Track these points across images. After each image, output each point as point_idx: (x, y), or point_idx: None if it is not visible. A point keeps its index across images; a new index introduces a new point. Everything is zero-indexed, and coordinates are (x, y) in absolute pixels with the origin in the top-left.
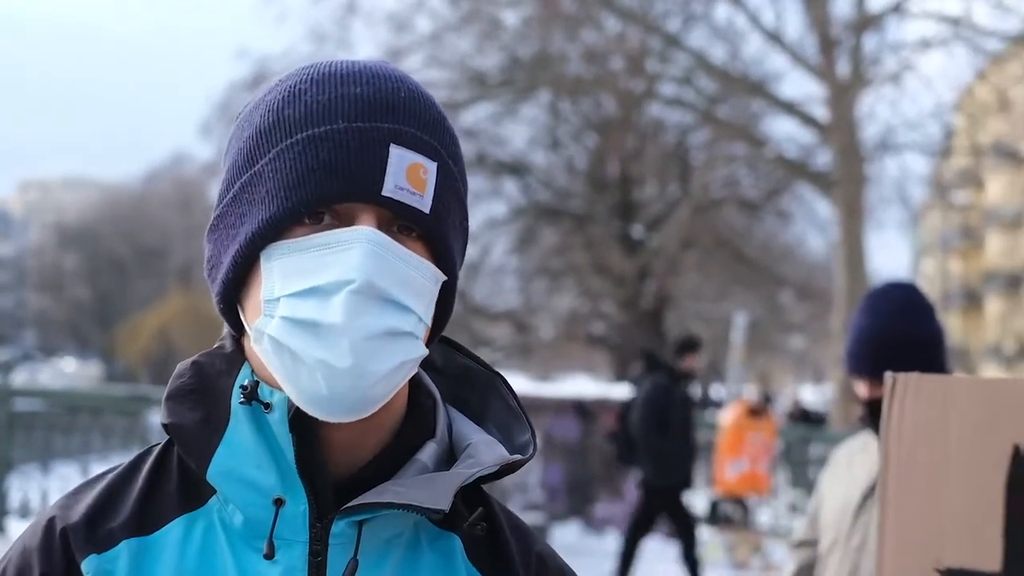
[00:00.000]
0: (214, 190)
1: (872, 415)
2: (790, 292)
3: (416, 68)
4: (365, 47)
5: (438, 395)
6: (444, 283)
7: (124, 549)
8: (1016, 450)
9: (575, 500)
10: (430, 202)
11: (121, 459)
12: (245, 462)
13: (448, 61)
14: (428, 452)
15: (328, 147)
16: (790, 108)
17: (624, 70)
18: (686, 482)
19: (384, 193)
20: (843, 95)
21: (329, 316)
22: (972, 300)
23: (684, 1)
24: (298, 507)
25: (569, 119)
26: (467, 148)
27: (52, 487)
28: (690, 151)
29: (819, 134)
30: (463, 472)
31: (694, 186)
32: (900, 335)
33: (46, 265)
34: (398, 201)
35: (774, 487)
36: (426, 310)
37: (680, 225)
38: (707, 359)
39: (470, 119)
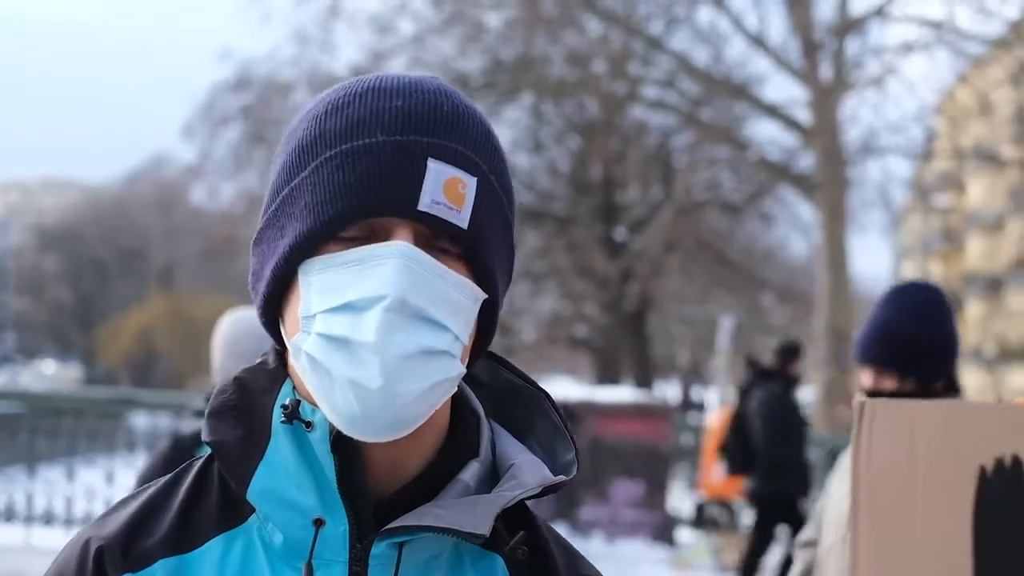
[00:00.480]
0: (196, 192)
1: None
2: (771, 294)
3: (399, 71)
4: (348, 49)
5: (482, 412)
6: (486, 301)
7: (161, 568)
8: (982, 471)
9: (560, 503)
10: (468, 218)
11: (107, 462)
12: (285, 482)
13: (431, 63)
14: (471, 472)
15: (365, 160)
16: (773, 111)
17: (607, 72)
18: (805, 490)
19: (420, 208)
20: (826, 98)
21: (361, 333)
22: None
23: (667, 4)
24: (338, 528)
25: (552, 121)
26: None
27: (37, 490)
28: (673, 154)
29: (802, 137)
30: (505, 495)
31: (677, 189)
32: (917, 334)
33: (26, 267)
34: (434, 216)
35: None
36: (463, 328)
37: (663, 228)
38: (689, 361)
39: None
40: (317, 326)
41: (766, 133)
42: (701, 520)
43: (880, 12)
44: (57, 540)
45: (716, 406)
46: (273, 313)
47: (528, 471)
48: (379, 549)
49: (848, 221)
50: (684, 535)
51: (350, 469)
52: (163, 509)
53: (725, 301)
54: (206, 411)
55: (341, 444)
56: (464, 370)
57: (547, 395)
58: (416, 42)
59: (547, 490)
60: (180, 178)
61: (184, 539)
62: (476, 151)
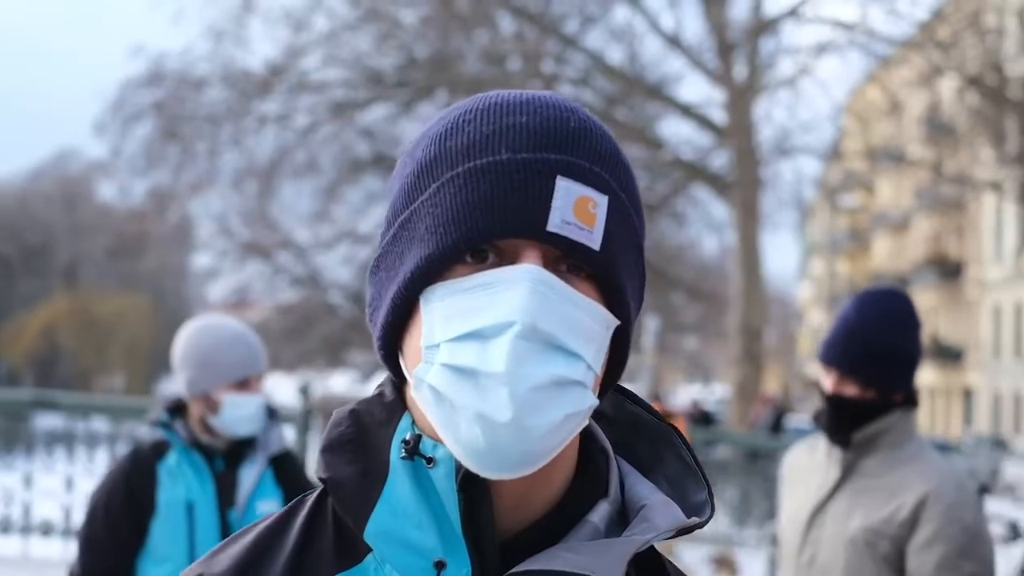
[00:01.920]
0: (105, 188)
1: (830, 410)
2: (682, 293)
3: (314, 67)
4: (263, 45)
5: (610, 448)
6: (618, 328)
7: None
8: None
9: None
10: (600, 238)
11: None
12: (405, 521)
13: (345, 60)
14: (600, 513)
15: (491, 180)
16: (688, 111)
17: (521, 71)
18: None
19: (550, 228)
20: (740, 98)
21: (489, 363)
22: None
23: (581, 2)
24: (460, 571)
25: None
26: (364, 149)
27: None
28: None
29: (716, 137)
30: (637, 539)
31: None
32: (885, 343)
33: None
34: (565, 237)
35: None
36: (596, 357)
37: None
38: None
39: (367, 119)
40: (441, 356)
41: (681, 133)
42: None
43: (794, 13)
44: None
45: None
46: (392, 343)
47: (660, 513)
48: None
49: (761, 220)
50: None
51: (474, 509)
52: (276, 548)
53: None
54: (321, 445)
55: (466, 482)
56: (596, 402)
57: (676, 431)
58: (331, 38)
59: (679, 532)
60: (86, 174)
61: None
62: (606, 168)
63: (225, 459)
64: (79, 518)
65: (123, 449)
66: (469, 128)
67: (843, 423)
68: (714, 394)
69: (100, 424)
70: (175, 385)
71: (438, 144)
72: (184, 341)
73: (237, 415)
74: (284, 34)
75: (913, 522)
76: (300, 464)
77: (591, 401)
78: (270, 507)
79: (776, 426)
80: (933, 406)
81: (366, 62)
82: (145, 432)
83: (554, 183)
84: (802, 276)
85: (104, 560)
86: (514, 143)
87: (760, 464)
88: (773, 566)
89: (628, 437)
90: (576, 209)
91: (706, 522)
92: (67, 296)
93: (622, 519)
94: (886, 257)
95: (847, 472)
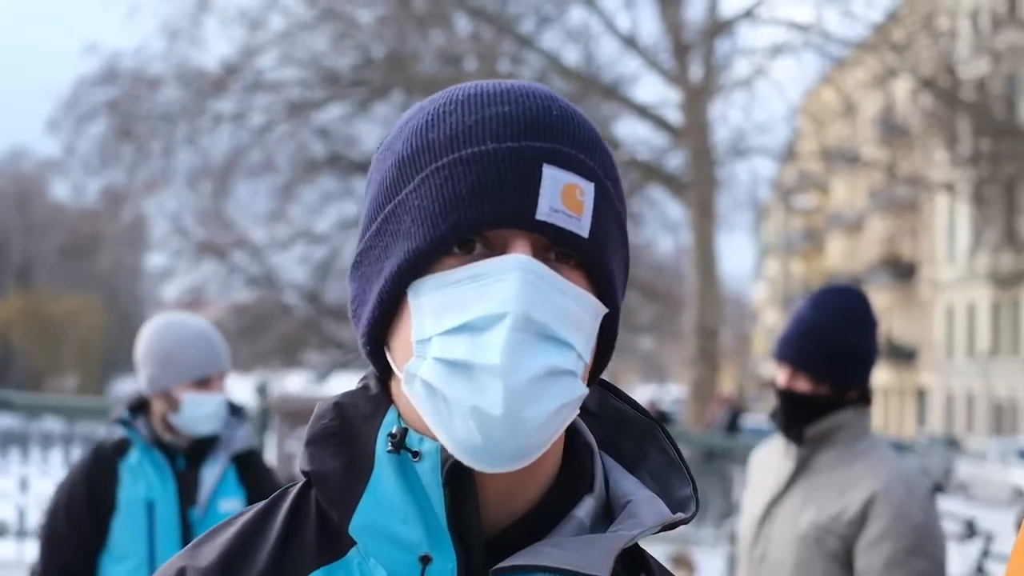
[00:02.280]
0: (57, 187)
1: (784, 407)
2: (637, 293)
3: (269, 66)
4: (218, 44)
5: (595, 443)
6: (605, 316)
7: None
8: None
9: None
10: (588, 225)
11: None
12: (390, 515)
13: (301, 60)
14: (585, 508)
15: (476, 170)
16: (644, 111)
17: (477, 71)
18: None
19: (538, 217)
20: (696, 99)
21: (483, 356)
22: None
23: (538, 3)
24: (446, 565)
25: None
26: (320, 148)
27: None
28: None
29: (672, 137)
30: (624, 535)
31: None
32: (839, 339)
33: None
34: (554, 225)
35: None
36: (586, 346)
37: None
38: None
39: (323, 118)
40: (433, 350)
41: (637, 133)
42: None
43: (749, 14)
44: None
45: None
46: (378, 339)
47: (646, 508)
48: None
49: (717, 221)
50: None
51: (460, 503)
52: (259, 541)
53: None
54: (304, 439)
55: (452, 476)
56: (587, 391)
57: (661, 426)
58: (287, 38)
59: (664, 528)
60: (39, 172)
61: (282, 572)
62: (590, 155)
63: (187, 457)
64: (34, 519)
65: (78, 449)
66: (451, 119)
67: (796, 418)
68: (670, 394)
69: (54, 424)
70: (137, 383)
71: (420, 136)
72: (146, 338)
73: (197, 413)
74: (240, 33)
75: (862, 520)
76: (264, 463)
77: (582, 390)
78: (232, 506)
79: (732, 426)
80: (887, 406)
81: (322, 62)
82: (102, 431)
83: (541, 171)
84: (757, 276)
85: (65, 557)
86: (498, 133)
87: (716, 464)
88: (732, 564)
89: (613, 433)
90: (564, 197)
91: (692, 517)
92: (20, 296)
93: (607, 515)
94: (840, 257)
95: (800, 468)
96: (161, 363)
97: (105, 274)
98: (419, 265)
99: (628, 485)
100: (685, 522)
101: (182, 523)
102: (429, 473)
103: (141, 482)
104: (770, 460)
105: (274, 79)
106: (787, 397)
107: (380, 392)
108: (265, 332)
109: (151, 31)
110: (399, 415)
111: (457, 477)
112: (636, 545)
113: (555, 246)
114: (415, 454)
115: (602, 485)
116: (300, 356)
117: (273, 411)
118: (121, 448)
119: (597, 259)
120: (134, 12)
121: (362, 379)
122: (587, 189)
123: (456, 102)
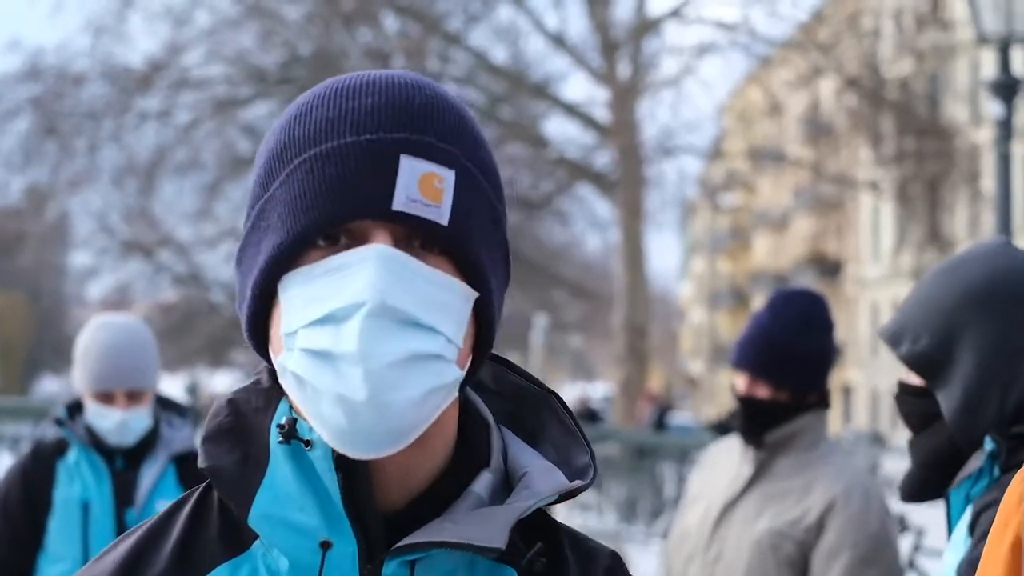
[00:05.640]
0: None
1: (744, 412)
2: (565, 292)
3: (195, 63)
4: (143, 41)
5: (491, 419)
6: (481, 300)
7: None
8: None
9: None
10: (448, 213)
11: None
12: (288, 504)
13: (228, 57)
14: (483, 483)
15: (335, 163)
16: (572, 110)
17: (405, 68)
18: None
19: (395, 207)
20: (624, 97)
21: (342, 344)
22: (740, 300)
23: (465, 1)
24: (346, 549)
25: None
26: (246, 146)
27: None
28: None
29: (600, 136)
30: (519, 506)
31: None
32: (796, 344)
33: None
34: (411, 215)
35: None
36: (457, 330)
37: None
38: None
39: (250, 116)
40: (299, 342)
41: (565, 131)
42: None
43: (676, 13)
44: None
45: None
46: (260, 334)
47: (542, 478)
48: (390, 569)
49: (645, 219)
50: None
51: (355, 487)
52: (161, 542)
53: (520, 298)
54: (201, 437)
55: (345, 461)
56: (462, 375)
57: (557, 396)
58: (213, 35)
59: (563, 496)
60: None
61: (185, 571)
62: (453, 142)
63: (126, 457)
64: None
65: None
66: (316, 114)
67: (756, 424)
68: (598, 392)
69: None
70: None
71: (287, 132)
72: (86, 341)
73: (98, 425)
74: (165, 30)
75: (819, 527)
76: None
77: (455, 374)
78: None
79: (660, 423)
80: None
81: (248, 59)
82: (25, 431)
83: (397, 162)
84: (684, 275)
85: (1, 555)
86: (358, 125)
87: (647, 461)
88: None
89: (513, 408)
90: (421, 186)
91: (589, 484)
92: None
93: (507, 487)
94: (766, 255)
95: (759, 472)
96: (78, 365)
97: (28, 273)
98: (285, 259)
99: (525, 457)
100: (583, 489)
101: (118, 524)
102: (321, 460)
103: (77, 482)
104: (724, 461)
105: (200, 76)
106: (747, 404)
107: (272, 385)
108: (192, 331)
109: (75, 28)
110: (291, 407)
111: (350, 462)
112: (542, 515)
113: (416, 235)
114: (307, 443)
115: (500, 459)
116: (228, 355)
117: (203, 411)
118: (61, 448)
119: (461, 245)
120: (58, 9)
121: (255, 374)
122: (447, 177)
123: (323, 96)
